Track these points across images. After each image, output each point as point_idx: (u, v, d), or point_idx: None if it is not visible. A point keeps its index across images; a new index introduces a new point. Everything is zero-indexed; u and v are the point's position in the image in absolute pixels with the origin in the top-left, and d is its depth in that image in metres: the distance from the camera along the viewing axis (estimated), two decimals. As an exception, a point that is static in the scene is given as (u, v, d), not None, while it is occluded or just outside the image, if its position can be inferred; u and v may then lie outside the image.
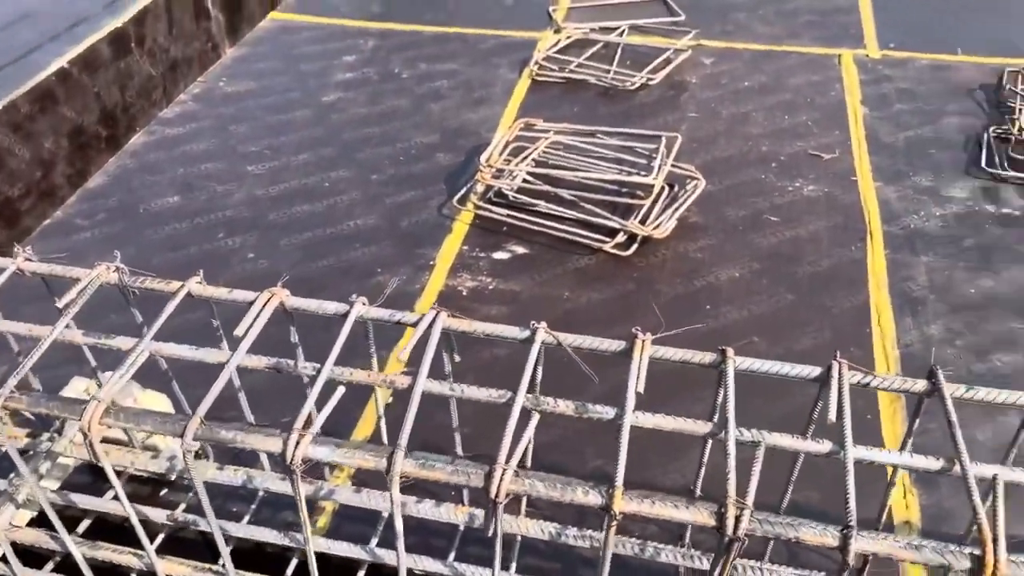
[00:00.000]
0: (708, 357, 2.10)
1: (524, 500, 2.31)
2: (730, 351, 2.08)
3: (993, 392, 1.95)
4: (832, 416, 1.88)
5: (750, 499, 1.74)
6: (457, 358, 2.27)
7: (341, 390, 1.97)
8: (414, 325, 2.13)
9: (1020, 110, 5.12)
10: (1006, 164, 4.83)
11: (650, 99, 5.65)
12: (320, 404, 1.96)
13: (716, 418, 2.14)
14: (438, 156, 5.18)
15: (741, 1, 6.80)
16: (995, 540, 1.66)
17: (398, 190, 4.91)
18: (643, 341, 2.12)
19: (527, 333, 2.13)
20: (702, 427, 1.93)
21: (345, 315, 2.19)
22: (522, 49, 6.21)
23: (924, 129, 5.24)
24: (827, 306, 4.06)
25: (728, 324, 3.97)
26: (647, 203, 4.53)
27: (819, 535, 1.69)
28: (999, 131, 5.07)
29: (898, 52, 6.00)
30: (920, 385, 1.98)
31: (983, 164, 4.86)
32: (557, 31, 6.37)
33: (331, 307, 2.23)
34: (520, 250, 4.45)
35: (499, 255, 4.42)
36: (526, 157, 4.87)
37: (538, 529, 2.18)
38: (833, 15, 6.54)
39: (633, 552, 2.26)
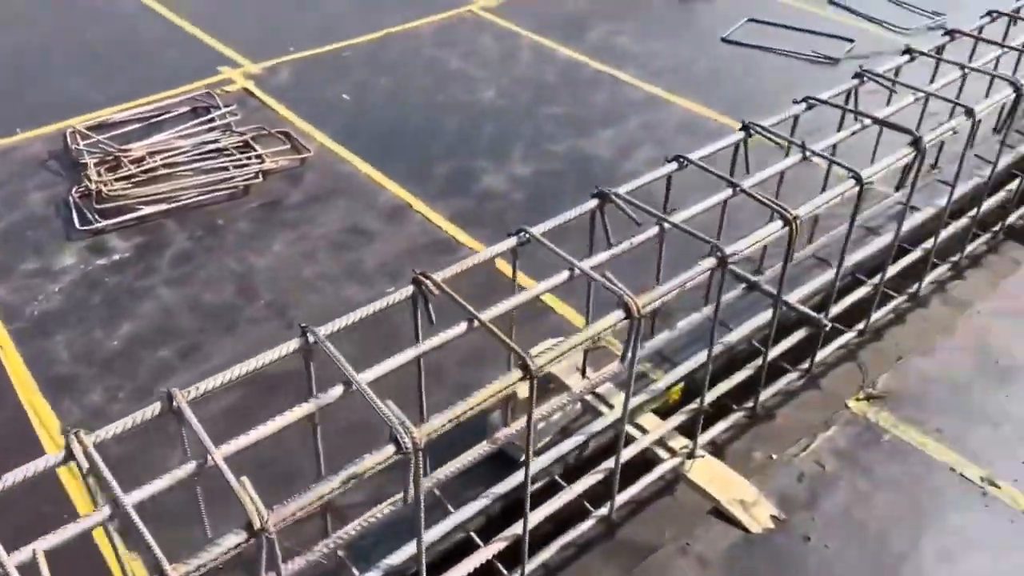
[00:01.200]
0: None
1: None
2: None
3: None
4: None
5: None
6: None
7: None
8: None
9: (88, 164, 5.37)
10: (97, 217, 5.04)
11: None
12: None
13: None
14: None
15: None
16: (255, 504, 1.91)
17: None
18: None
19: None
20: None
21: None
22: None
23: (14, 215, 5.12)
24: (-18, 434, 3.72)
25: None
26: None
27: None
28: (80, 189, 5.26)
29: (-47, 152, 5.68)
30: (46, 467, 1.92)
31: (79, 225, 4.99)
32: None
33: None
34: None
35: None
36: None
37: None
38: None
39: None
